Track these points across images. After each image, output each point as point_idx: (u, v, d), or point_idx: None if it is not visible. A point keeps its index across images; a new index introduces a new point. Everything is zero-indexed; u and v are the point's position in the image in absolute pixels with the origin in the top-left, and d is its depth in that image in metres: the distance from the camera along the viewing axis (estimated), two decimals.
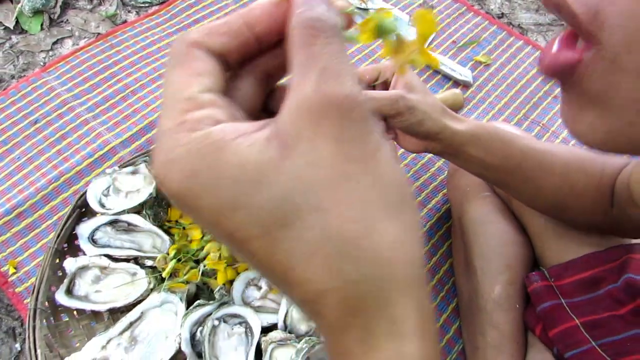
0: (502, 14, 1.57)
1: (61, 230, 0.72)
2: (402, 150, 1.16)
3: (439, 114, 0.67)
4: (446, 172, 1.14)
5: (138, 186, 0.76)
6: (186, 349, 0.65)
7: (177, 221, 0.78)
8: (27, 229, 1.04)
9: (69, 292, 0.71)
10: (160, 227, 0.76)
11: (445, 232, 1.08)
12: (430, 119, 0.66)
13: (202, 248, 0.74)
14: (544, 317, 0.76)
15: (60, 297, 0.69)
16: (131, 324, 0.68)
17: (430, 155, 1.18)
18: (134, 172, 0.77)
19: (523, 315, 0.85)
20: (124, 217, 0.75)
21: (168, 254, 0.73)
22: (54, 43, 1.34)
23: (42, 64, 1.31)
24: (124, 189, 0.75)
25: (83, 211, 0.76)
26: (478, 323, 0.88)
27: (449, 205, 1.09)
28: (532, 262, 0.89)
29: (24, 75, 1.28)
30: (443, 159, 1.17)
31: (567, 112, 0.33)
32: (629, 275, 0.68)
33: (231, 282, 0.72)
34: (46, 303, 0.69)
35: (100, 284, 0.72)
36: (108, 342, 0.67)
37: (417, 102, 0.65)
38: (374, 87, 0.71)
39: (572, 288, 0.75)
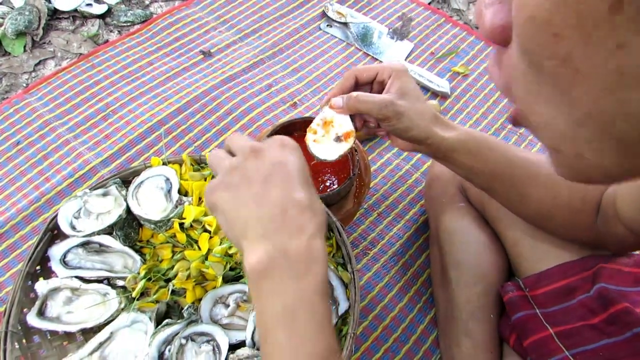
0: None
1: (33, 253, 0.73)
2: (390, 153, 1.18)
3: (428, 121, 0.68)
4: (423, 183, 1.15)
5: (108, 208, 0.77)
6: None
7: (148, 241, 0.79)
8: (8, 250, 1.05)
9: (41, 313, 0.72)
10: (132, 247, 0.77)
11: (423, 243, 1.09)
12: (417, 126, 0.67)
13: (173, 267, 0.75)
14: (519, 326, 0.77)
15: (32, 319, 0.70)
16: (101, 344, 0.69)
17: (407, 167, 1.19)
18: (104, 194, 0.78)
19: (497, 326, 0.86)
20: (96, 239, 0.76)
21: (139, 273, 0.74)
22: (37, 64, 1.36)
23: (24, 85, 1.33)
24: (95, 211, 0.77)
25: (56, 234, 0.77)
26: (453, 333, 0.89)
27: (426, 216, 1.11)
28: (507, 272, 0.90)
29: (7, 97, 1.30)
30: (420, 171, 1.19)
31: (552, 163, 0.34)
32: (602, 284, 0.69)
33: (200, 300, 0.73)
34: (18, 326, 0.70)
35: (71, 305, 0.73)
36: None
37: (406, 109, 0.66)
38: (370, 86, 0.73)
39: (546, 298, 0.76)
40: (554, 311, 0.75)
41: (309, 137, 0.71)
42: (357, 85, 0.72)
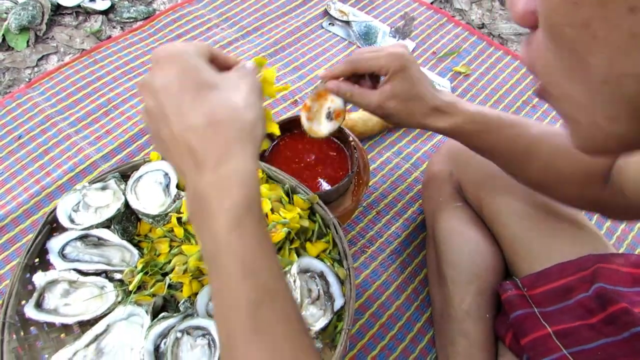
0: (483, 24, 1.59)
1: (31, 245, 0.74)
2: (390, 151, 1.18)
3: (420, 117, 0.70)
4: (422, 182, 1.15)
5: (107, 201, 0.77)
6: None
7: (146, 235, 0.80)
8: (8, 243, 1.06)
9: (38, 305, 0.72)
10: (130, 241, 0.78)
11: (421, 242, 1.09)
12: (406, 122, 0.72)
13: (170, 261, 0.75)
14: (516, 325, 0.77)
15: (29, 311, 0.70)
16: (97, 336, 0.69)
17: (407, 165, 1.20)
18: (103, 188, 0.78)
19: (493, 325, 0.86)
20: (94, 232, 0.76)
21: (136, 267, 0.75)
22: (39, 59, 1.37)
23: (27, 80, 1.33)
24: (94, 205, 0.77)
25: (55, 227, 0.78)
26: (449, 332, 0.89)
27: (425, 215, 1.11)
28: (503, 272, 0.90)
29: (10, 92, 1.30)
30: (420, 170, 1.19)
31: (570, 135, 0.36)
32: (600, 284, 0.69)
33: (197, 294, 0.73)
34: (16, 317, 0.71)
35: (69, 298, 0.74)
36: (74, 354, 0.68)
37: (394, 111, 0.70)
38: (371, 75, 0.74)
39: (545, 297, 0.76)
40: (552, 310, 0.75)
41: (303, 115, 0.75)
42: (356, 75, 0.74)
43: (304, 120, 0.74)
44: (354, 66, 0.71)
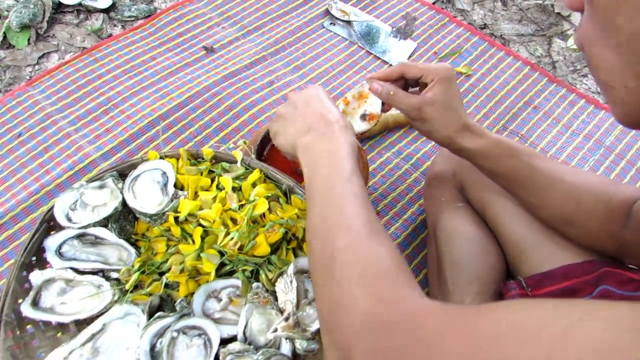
0: (485, 24, 1.59)
1: (28, 243, 0.74)
2: (390, 152, 1.18)
3: (451, 131, 0.75)
4: (422, 183, 1.15)
5: (105, 200, 0.77)
6: None
7: (143, 234, 0.79)
8: (7, 241, 1.06)
9: (35, 304, 0.72)
10: (127, 240, 0.78)
11: (420, 242, 1.09)
12: (438, 133, 0.76)
13: (167, 260, 0.75)
14: None
15: (26, 310, 0.70)
16: (93, 335, 0.69)
17: (407, 166, 1.19)
18: (101, 187, 0.78)
19: None
20: (92, 231, 0.76)
21: (133, 266, 0.74)
22: (40, 57, 1.37)
23: (28, 78, 1.33)
24: (91, 203, 0.77)
25: (52, 225, 0.77)
26: None
27: (424, 216, 1.10)
28: (504, 273, 0.90)
29: (10, 90, 1.30)
30: (420, 171, 1.19)
31: (610, 105, 0.42)
32: (604, 287, 0.69)
33: (193, 294, 0.73)
34: (12, 315, 0.71)
35: (65, 296, 0.73)
36: (70, 353, 0.68)
37: (430, 117, 0.74)
38: (416, 82, 0.79)
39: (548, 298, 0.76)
40: None
41: (340, 106, 0.80)
42: (403, 78, 0.79)
43: None
44: (404, 69, 0.77)
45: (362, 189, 0.56)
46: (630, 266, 0.74)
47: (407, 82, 0.80)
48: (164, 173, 0.79)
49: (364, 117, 0.80)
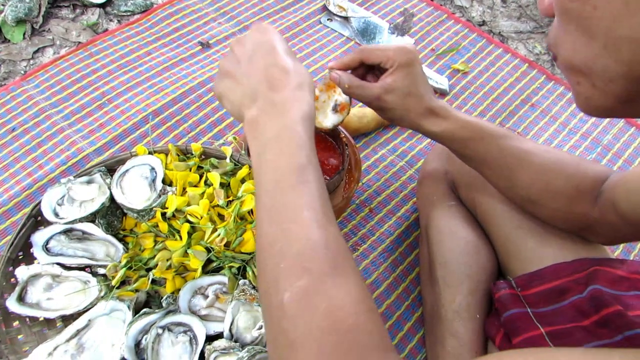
0: (484, 21, 1.57)
1: (14, 238, 0.73)
2: (385, 149, 1.17)
3: (415, 116, 0.72)
4: (417, 180, 1.14)
5: (92, 195, 0.76)
6: (129, 357, 0.66)
7: (131, 230, 0.79)
8: None
9: (21, 299, 0.72)
10: (115, 235, 0.77)
11: (414, 240, 1.08)
12: (402, 120, 0.73)
13: (154, 256, 0.75)
14: (509, 324, 0.76)
15: (12, 305, 0.70)
16: (78, 331, 0.69)
17: (402, 163, 1.18)
18: (89, 182, 0.78)
19: (484, 324, 0.85)
20: (79, 226, 0.76)
21: (120, 262, 0.74)
22: (35, 52, 1.36)
23: (22, 72, 1.33)
24: (79, 199, 0.76)
25: (39, 220, 0.77)
26: (439, 332, 0.88)
27: (418, 214, 1.10)
28: (496, 272, 0.89)
29: (5, 84, 1.30)
30: (414, 168, 1.18)
31: (572, 93, 0.43)
32: (595, 286, 0.68)
33: (180, 290, 0.72)
34: None
35: (52, 292, 0.73)
36: (55, 349, 0.67)
37: (391, 105, 0.71)
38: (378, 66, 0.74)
39: (538, 298, 0.75)
40: (545, 311, 0.74)
41: None
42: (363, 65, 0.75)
43: None
44: (363, 55, 0.73)
45: (317, 182, 0.49)
46: (616, 259, 0.73)
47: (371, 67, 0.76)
48: (153, 168, 0.79)
49: (335, 108, 0.76)
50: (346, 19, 1.48)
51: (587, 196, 0.68)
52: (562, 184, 0.70)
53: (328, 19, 1.48)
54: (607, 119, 1.30)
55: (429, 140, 1.23)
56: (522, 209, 0.79)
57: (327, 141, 0.95)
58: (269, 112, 0.52)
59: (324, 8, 1.51)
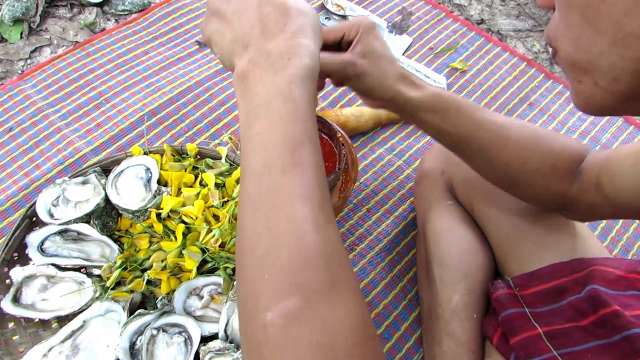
0: (482, 20, 1.57)
1: (9, 239, 0.73)
2: (383, 148, 1.17)
3: (393, 80, 0.65)
4: (414, 179, 1.13)
5: (87, 196, 0.76)
6: (124, 358, 0.66)
7: (127, 230, 0.79)
8: None
9: (16, 300, 0.72)
10: (110, 236, 0.77)
11: (411, 240, 1.08)
12: (380, 86, 0.65)
13: (149, 257, 0.74)
14: (506, 324, 0.76)
15: (6, 306, 0.70)
16: (73, 332, 0.69)
17: (399, 162, 1.18)
18: (84, 183, 0.77)
19: (481, 324, 0.85)
20: (74, 227, 0.75)
21: (115, 262, 0.74)
22: (33, 51, 1.36)
23: (20, 72, 1.33)
24: (73, 199, 0.76)
25: (34, 221, 0.77)
26: (436, 331, 0.88)
27: (416, 213, 1.09)
28: (493, 272, 0.89)
29: (2, 84, 1.30)
30: (412, 167, 1.18)
31: (570, 91, 0.41)
32: (592, 286, 0.69)
33: (175, 291, 0.72)
34: None
35: (46, 293, 0.73)
36: (49, 350, 0.67)
37: (367, 69, 0.64)
38: (339, 46, 0.69)
39: (536, 298, 0.75)
40: (543, 311, 0.75)
41: None
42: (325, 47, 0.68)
43: None
44: (324, 36, 0.66)
45: (315, 166, 0.40)
46: (615, 259, 0.73)
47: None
48: (148, 169, 0.79)
49: None
50: (344, 17, 1.48)
51: (564, 175, 0.67)
52: (537, 162, 0.68)
53: (326, 18, 1.48)
54: (606, 118, 1.30)
55: (426, 139, 1.22)
56: (501, 188, 0.76)
57: (323, 140, 0.94)
58: (261, 66, 0.43)
59: (322, 7, 1.50)
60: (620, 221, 1.13)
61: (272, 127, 0.41)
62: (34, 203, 0.75)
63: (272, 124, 0.41)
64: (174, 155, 0.81)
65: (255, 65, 0.43)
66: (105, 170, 0.80)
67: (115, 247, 0.76)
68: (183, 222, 0.74)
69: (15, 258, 0.76)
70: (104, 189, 0.77)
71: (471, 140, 0.69)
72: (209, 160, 0.79)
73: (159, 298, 0.72)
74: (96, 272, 0.76)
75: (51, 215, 0.75)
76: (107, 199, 0.76)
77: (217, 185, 0.75)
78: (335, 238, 0.39)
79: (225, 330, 0.69)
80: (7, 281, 0.73)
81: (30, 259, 0.75)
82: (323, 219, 0.38)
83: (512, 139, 0.68)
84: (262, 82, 0.43)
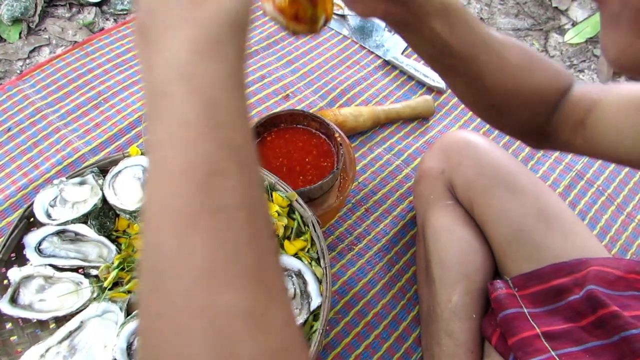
0: (481, 18, 1.57)
1: (7, 240, 0.74)
2: (381, 147, 1.17)
3: None
4: (413, 179, 1.13)
5: (85, 197, 0.76)
6: (121, 358, 0.66)
7: (124, 231, 0.79)
8: None
9: (13, 301, 0.72)
10: (108, 236, 0.77)
11: (410, 239, 1.08)
12: None
13: None
14: (505, 324, 0.76)
15: (4, 306, 0.70)
16: (70, 333, 0.69)
17: (398, 162, 1.18)
18: (81, 183, 0.78)
19: (480, 324, 0.85)
20: (71, 227, 0.76)
21: (112, 263, 0.74)
22: (31, 51, 1.36)
23: (19, 72, 1.33)
24: (71, 200, 0.76)
25: (32, 221, 0.77)
26: (435, 331, 0.88)
27: (414, 213, 1.09)
28: (492, 272, 0.89)
29: (0, 84, 1.30)
30: (411, 167, 1.17)
31: (601, 37, 0.38)
32: (591, 287, 0.69)
33: None
34: None
35: (44, 294, 0.73)
36: (47, 350, 0.67)
37: None
38: None
39: (535, 298, 0.75)
40: (542, 311, 0.75)
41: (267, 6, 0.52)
42: None
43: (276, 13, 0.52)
44: None
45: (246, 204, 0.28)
46: (613, 259, 0.73)
47: None
48: (146, 169, 0.79)
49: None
50: (343, 17, 1.48)
51: (550, 107, 0.65)
52: (528, 92, 0.64)
53: None
54: None
55: (425, 139, 1.22)
56: (482, 117, 0.70)
57: (321, 140, 0.94)
58: (160, 17, 0.31)
59: None
60: (619, 220, 1.13)
61: (165, 146, 0.28)
62: (32, 204, 0.75)
63: (165, 136, 0.28)
64: None
65: (153, 16, 0.31)
66: (102, 170, 0.80)
67: (113, 247, 0.76)
68: None
69: (13, 258, 0.76)
70: (102, 189, 0.77)
71: (473, 63, 0.60)
72: None
73: None
74: (94, 272, 0.76)
75: (49, 216, 0.75)
76: (104, 200, 0.76)
77: None
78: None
79: None
80: (5, 282, 0.74)
81: (28, 260, 0.75)
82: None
83: (512, 63, 0.62)
84: (164, 39, 0.30)
